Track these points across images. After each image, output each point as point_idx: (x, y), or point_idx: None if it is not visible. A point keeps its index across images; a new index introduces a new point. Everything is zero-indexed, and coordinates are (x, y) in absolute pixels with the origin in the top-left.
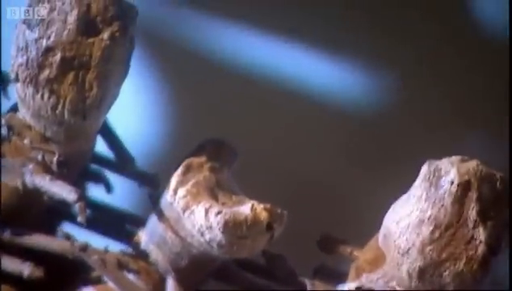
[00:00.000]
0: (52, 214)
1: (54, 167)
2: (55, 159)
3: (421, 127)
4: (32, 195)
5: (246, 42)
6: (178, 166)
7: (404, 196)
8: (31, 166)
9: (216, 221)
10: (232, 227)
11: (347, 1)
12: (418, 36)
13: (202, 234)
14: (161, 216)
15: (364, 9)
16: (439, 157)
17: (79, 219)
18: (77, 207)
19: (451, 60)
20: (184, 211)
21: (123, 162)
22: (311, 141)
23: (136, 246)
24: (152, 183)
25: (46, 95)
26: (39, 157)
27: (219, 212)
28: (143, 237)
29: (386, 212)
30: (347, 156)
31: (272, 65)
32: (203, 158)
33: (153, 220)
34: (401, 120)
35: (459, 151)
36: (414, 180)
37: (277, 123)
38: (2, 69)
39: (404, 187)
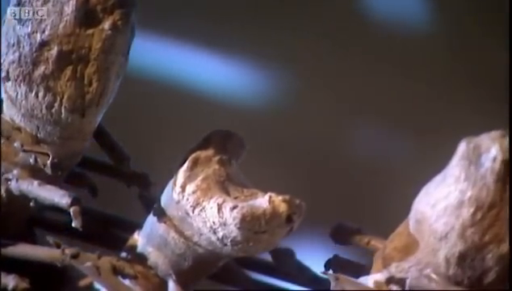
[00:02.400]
0: (31, 222)
1: (48, 170)
2: (49, 162)
3: (322, 125)
4: (16, 202)
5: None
6: (184, 161)
7: (438, 177)
8: (15, 171)
9: (231, 216)
10: (250, 222)
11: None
12: (316, 36)
13: (214, 232)
14: (162, 216)
15: (258, 8)
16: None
17: (74, 224)
18: (71, 212)
19: (350, 59)
20: (194, 208)
21: (118, 160)
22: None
23: (131, 249)
24: (143, 183)
25: (41, 93)
26: (31, 160)
27: (234, 207)
28: (139, 240)
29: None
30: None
31: (163, 66)
32: (210, 151)
33: (151, 221)
34: (299, 118)
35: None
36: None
37: (171, 122)
38: None
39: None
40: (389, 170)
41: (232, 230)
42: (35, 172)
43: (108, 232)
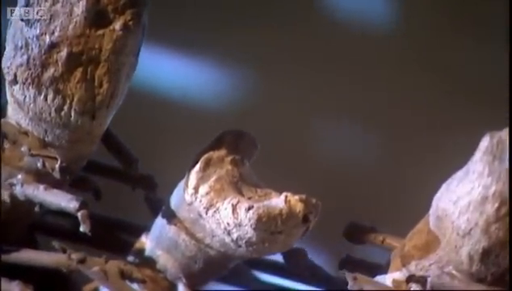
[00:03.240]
0: (32, 228)
1: (56, 175)
2: (57, 166)
3: (284, 126)
4: (20, 208)
5: None
6: (195, 162)
7: (460, 174)
8: (20, 176)
9: (246, 217)
10: (266, 222)
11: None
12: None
13: (228, 233)
14: (172, 218)
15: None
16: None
17: (82, 228)
18: (79, 216)
19: (309, 58)
20: (207, 209)
21: (126, 163)
22: None
23: (139, 253)
24: (148, 185)
25: (50, 96)
26: (39, 164)
27: (249, 208)
28: (147, 243)
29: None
30: None
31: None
32: (222, 151)
33: (159, 223)
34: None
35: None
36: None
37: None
38: None
39: None
40: (358, 170)
41: (248, 231)
42: (40, 177)
43: (112, 236)
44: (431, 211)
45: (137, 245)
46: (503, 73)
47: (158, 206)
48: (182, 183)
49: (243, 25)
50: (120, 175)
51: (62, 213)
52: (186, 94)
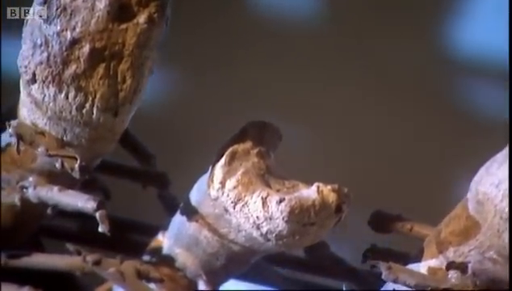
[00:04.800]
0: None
1: (76, 174)
2: (77, 165)
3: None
4: (29, 211)
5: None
6: (219, 156)
7: (499, 156)
8: (31, 178)
9: (278, 210)
10: (299, 214)
11: None
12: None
13: (258, 227)
14: (193, 215)
15: None
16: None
17: (101, 229)
18: (97, 216)
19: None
20: (235, 204)
21: (144, 159)
22: None
23: (156, 252)
24: (162, 183)
25: (71, 94)
26: (57, 165)
27: (281, 200)
28: (165, 241)
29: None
30: None
31: None
32: (248, 144)
33: (178, 221)
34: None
35: None
36: None
37: None
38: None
39: None
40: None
41: (279, 224)
42: (52, 178)
43: (121, 236)
44: (469, 195)
45: (153, 244)
46: (435, 67)
47: (173, 203)
48: (203, 179)
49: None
50: (131, 173)
51: (68, 216)
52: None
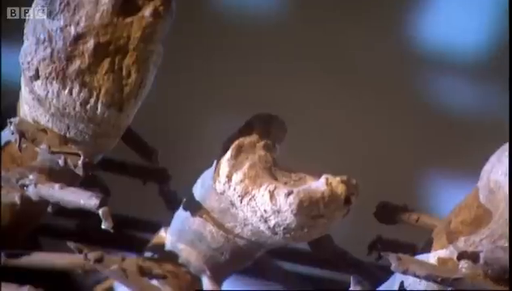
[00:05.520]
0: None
1: (79, 171)
2: (80, 162)
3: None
4: (29, 210)
5: None
6: (224, 150)
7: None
8: (32, 176)
9: (286, 202)
10: (308, 207)
11: None
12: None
13: (265, 221)
14: (197, 210)
15: None
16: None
17: (104, 226)
18: (100, 213)
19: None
20: (242, 197)
21: (146, 155)
22: None
23: (158, 248)
24: (163, 178)
25: (76, 90)
26: (60, 161)
27: (289, 193)
28: (167, 237)
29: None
30: None
31: None
32: (254, 137)
33: (182, 216)
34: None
35: None
36: None
37: None
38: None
39: None
40: None
41: (287, 217)
42: (52, 176)
43: (121, 233)
44: (480, 184)
45: (155, 240)
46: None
47: (174, 199)
48: (207, 174)
49: None
50: (131, 169)
51: (65, 214)
52: None
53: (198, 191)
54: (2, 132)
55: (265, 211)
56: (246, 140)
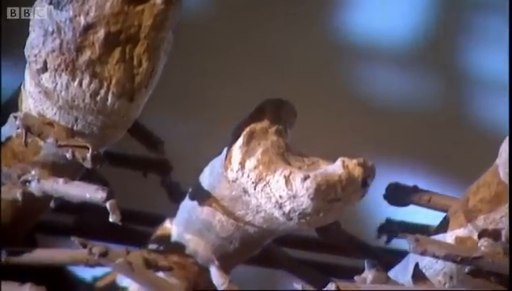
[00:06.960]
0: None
1: (88, 164)
2: (89, 155)
3: None
4: (30, 207)
5: None
6: (235, 137)
7: None
8: (34, 171)
9: (303, 187)
10: (325, 190)
11: None
12: None
13: (280, 207)
14: (206, 199)
15: None
16: None
17: (112, 219)
18: (108, 206)
19: None
20: (256, 184)
21: (152, 145)
22: None
23: (164, 240)
24: (164, 169)
25: (86, 81)
26: (68, 155)
27: (305, 178)
28: (173, 228)
29: None
30: None
31: None
32: (265, 122)
33: (188, 206)
34: None
35: None
36: None
37: None
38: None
39: None
40: None
41: (304, 202)
42: (55, 170)
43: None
44: (499, 161)
45: (160, 232)
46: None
47: (176, 190)
48: (216, 162)
49: None
50: (132, 161)
51: (63, 210)
52: None
53: (206, 179)
54: (3, 128)
55: (280, 196)
56: (258, 126)
